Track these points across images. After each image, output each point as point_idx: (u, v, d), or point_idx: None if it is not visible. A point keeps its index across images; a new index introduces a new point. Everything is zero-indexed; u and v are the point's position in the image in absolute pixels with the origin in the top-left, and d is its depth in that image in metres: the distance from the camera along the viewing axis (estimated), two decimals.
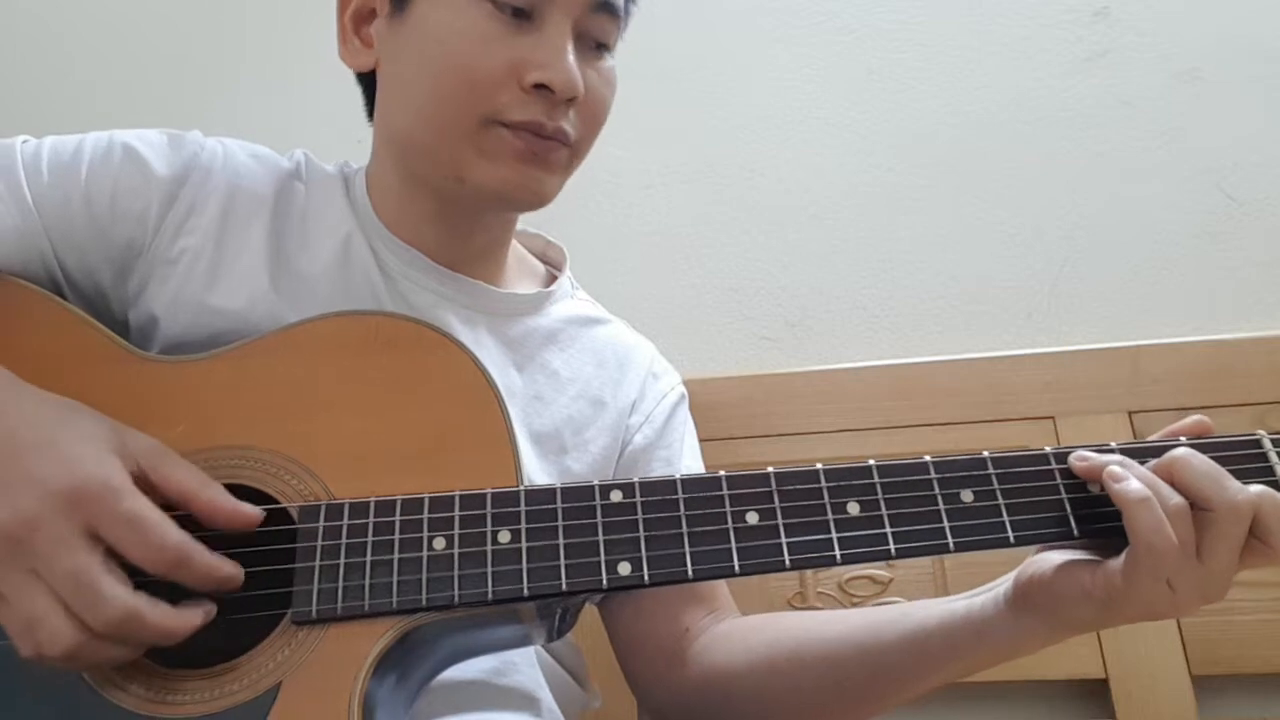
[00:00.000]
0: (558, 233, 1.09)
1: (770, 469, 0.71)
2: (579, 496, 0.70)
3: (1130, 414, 1.26)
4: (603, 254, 1.50)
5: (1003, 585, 0.75)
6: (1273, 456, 0.69)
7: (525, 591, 0.67)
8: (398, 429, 0.74)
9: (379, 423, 0.75)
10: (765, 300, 1.47)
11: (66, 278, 0.86)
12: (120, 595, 0.61)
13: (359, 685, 0.65)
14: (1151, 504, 0.64)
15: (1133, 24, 1.44)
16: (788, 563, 0.68)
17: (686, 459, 1.00)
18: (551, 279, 1.04)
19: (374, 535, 0.69)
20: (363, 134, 0.97)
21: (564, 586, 0.67)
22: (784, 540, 0.68)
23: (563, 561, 0.68)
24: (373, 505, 0.70)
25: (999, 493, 0.69)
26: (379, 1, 0.88)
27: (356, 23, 0.91)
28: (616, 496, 0.70)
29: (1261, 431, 0.71)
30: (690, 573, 0.68)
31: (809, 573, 1.28)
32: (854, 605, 1.24)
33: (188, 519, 0.67)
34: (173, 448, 0.71)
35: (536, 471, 0.88)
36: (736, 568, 0.68)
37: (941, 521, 0.68)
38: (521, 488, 0.71)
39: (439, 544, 0.69)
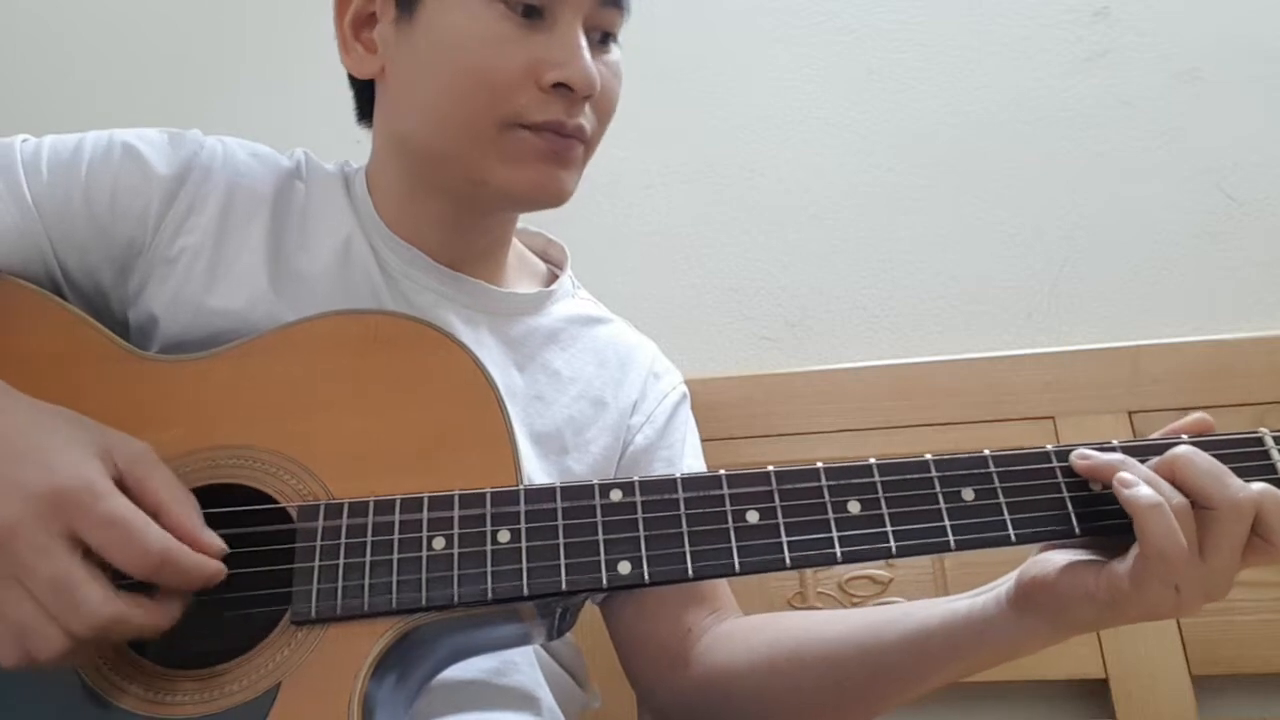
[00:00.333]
0: (558, 233, 1.09)
1: (770, 468, 0.71)
2: (579, 495, 0.70)
3: (1130, 414, 1.26)
4: (603, 254, 1.50)
5: (1004, 585, 0.74)
6: (1274, 454, 0.69)
7: (525, 591, 0.67)
8: (397, 428, 0.74)
9: (378, 422, 0.74)
10: (765, 300, 1.47)
11: (66, 277, 0.85)
12: (101, 601, 0.61)
13: (359, 685, 0.64)
14: (1164, 510, 0.64)
15: (1133, 24, 1.44)
16: (788, 562, 0.67)
17: (688, 459, 1.00)
18: (552, 278, 1.04)
19: (373, 535, 0.69)
20: (363, 133, 0.97)
21: (564, 586, 0.67)
22: (784, 539, 0.68)
23: (562, 561, 0.68)
24: (372, 505, 0.70)
25: (1000, 491, 0.69)
26: (380, 6, 0.87)
27: (356, 28, 0.90)
28: (616, 496, 0.70)
29: (1264, 429, 0.70)
30: (690, 572, 0.67)
31: (809, 573, 1.28)
32: (854, 605, 1.24)
33: None
34: (171, 447, 0.71)
35: (537, 472, 0.88)
36: (737, 567, 0.67)
37: (942, 520, 0.68)
38: (521, 487, 0.71)
39: (438, 544, 0.68)
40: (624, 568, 0.68)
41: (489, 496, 0.70)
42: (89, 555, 0.62)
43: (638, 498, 0.70)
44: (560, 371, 0.95)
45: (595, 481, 0.71)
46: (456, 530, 0.69)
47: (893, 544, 0.67)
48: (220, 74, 1.71)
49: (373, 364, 0.77)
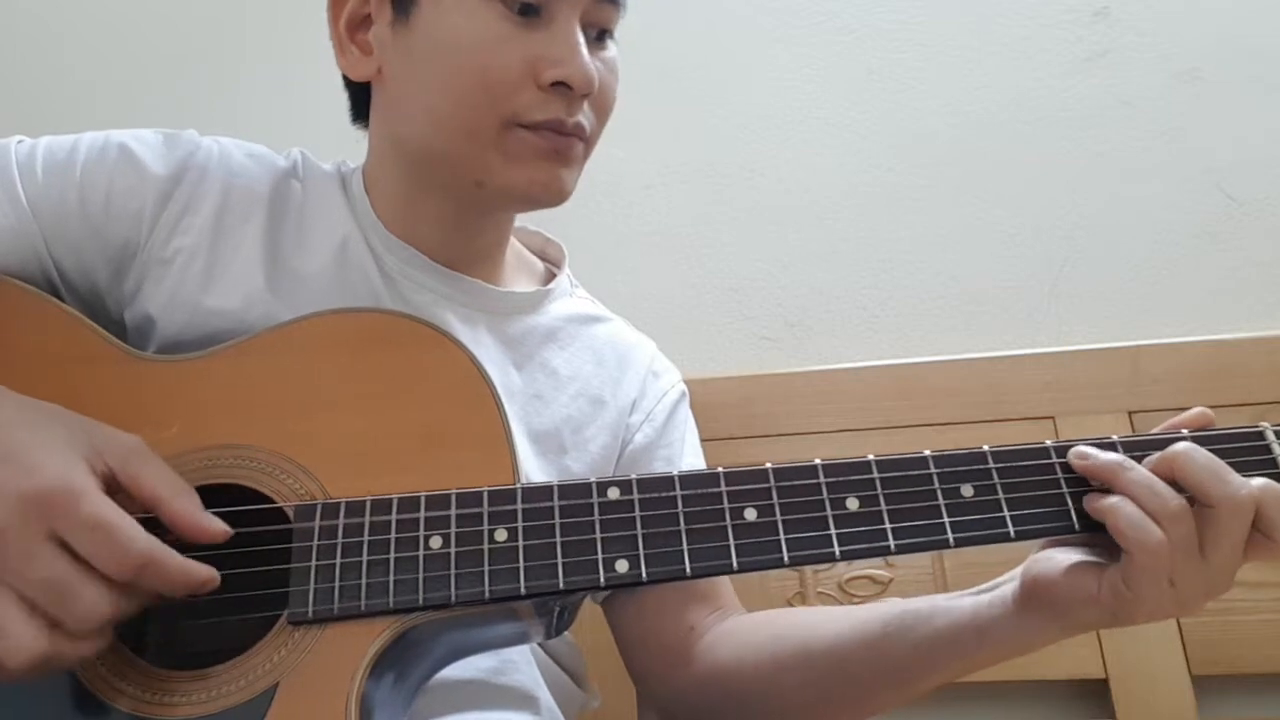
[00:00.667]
0: (558, 232, 1.08)
1: (769, 465, 0.70)
2: (576, 494, 0.70)
3: (1130, 414, 1.26)
4: (603, 254, 1.50)
5: (1008, 584, 0.74)
6: (1275, 448, 0.69)
7: (522, 590, 0.67)
8: (394, 427, 0.74)
9: (375, 421, 0.74)
10: (765, 300, 1.47)
11: (62, 278, 0.85)
12: (97, 600, 0.60)
13: (356, 686, 0.64)
14: (1122, 506, 0.65)
15: (1133, 24, 1.44)
16: (786, 559, 0.67)
17: (688, 457, 1.00)
18: (550, 276, 1.04)
19: (370, 534, 0.69)
20: (362, 133, 0.96)
21: (561, 585, 0.67)
22: (782, 537, 0.68)
23: (560, 560, 0.68)
24: (369, 504, 0.70)
25: (999, 487, 0.69)
26: (375, 8, 0.87)
27: (351, 30, 0.89)
28: (614, 494, 0.70)
29: (1264, 423, 0.70)
30: (688, 570, 0.67)
31: (809, 573, 1.28)
32: (854, 605, 1.24)
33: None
34: (168, 447, 0.71)
35: (535, 471, 0.88)
36: (735, 565, 0.67)
37: (941, 517, 0.68)
38: (518, 486, 0.71)
39: (435, 543, 0.68)
40: (622, 566, 0.67)
41: (486, 495, 0.70)
42: (77, 559, 0.61)
43: (635, 496, 0.69)
44: (558, 370, 0.95)
45: (593, 480, 0.71)
46: (453, 529, 0.69)
47: (891, 541, 0.67)
48: (219, 74, 1.71)
49: (370, 363, 0.77)
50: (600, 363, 0.98)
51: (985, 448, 0.70)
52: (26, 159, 0.86)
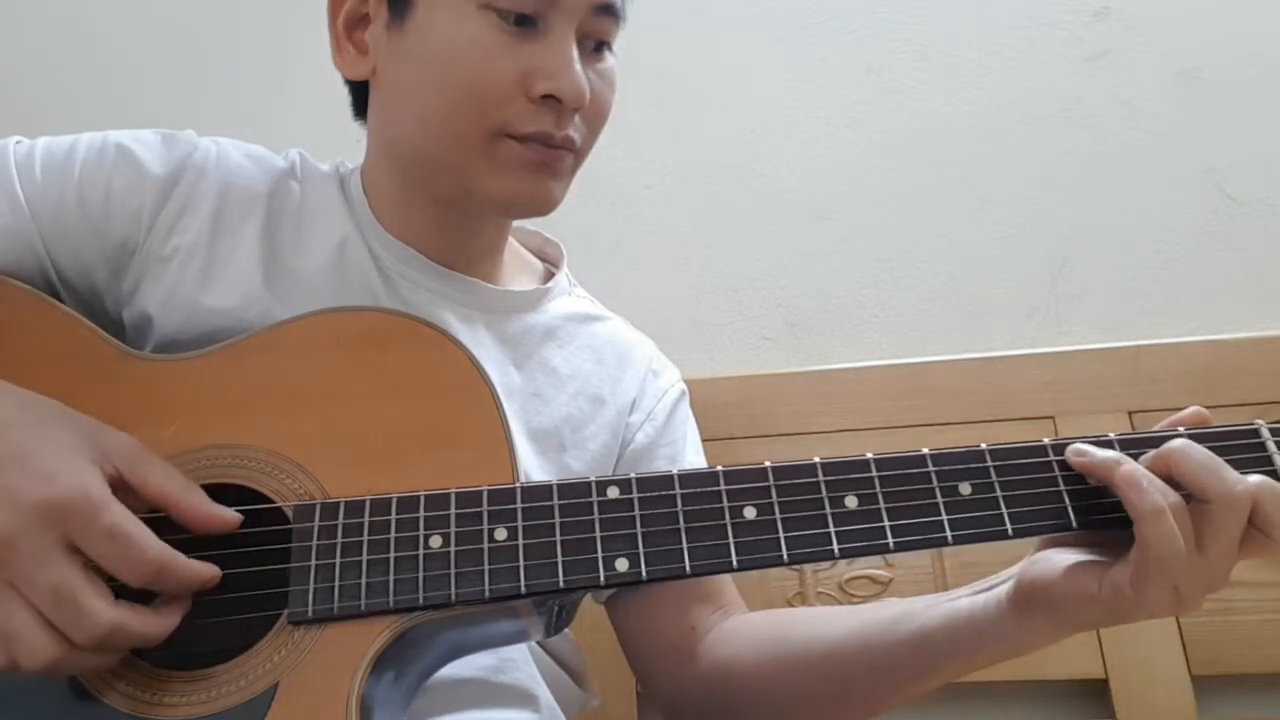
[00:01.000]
0: (557, 232, 1.08)
1: (768, 463, 0.70)
2: (576, 493, 0.70)
3: (1130, 414, 1.25)
4: (603, 254, 1.50)
5: (1004, 584, 0.74)
6: (1271, 446, 0.69)
7: (523, 589, 0.67)
8: (393, 426, 0.74)
9: (374, 420, 0.74)
10: (765, 300, 1.47)
11: (61, 278, 0.86)
12: (104, 610, 0.61)
13: (357, 685, 0.64)
14: (1164, 516, 0.63)
15: (1133, 24, 1.44)
16: (786, 557, 0.67)
17: (689, 456, 1.00)
18: (549, 276, 1.04)
19: (369, 534, 0.69)
20: (362, 133, 0.96)
21: (561, 584, 0.67)
22: (782, 535, 0.68)
23: (560, 558, 0.68)
24: (368, 504, 0.70)
25: (997, 485, 0.69)
26: (373, 8, 0.87)
27: (349, 28, 0.89)
28: (613, 493, 0.70)
29: (1260, 421, 0.70)
30: (688, 568, 0.67)
31: (809, 573, 1.28)
32: (854, 605, 1.24)
33: (164, 518, 0.67)
34: (166, 446, 0.71)
35: (535, 469, 0.88)
36: (734, 563, 0.67)
37: (939, 514, 0.68)
38: (518, 485, 0.71)
39: (435, 542, 0.68)
40: (621, 565, 0.67)
41: (485, 495, 0.70)
42: (87, 564, 0.62)
43: (635, 495, 0.70)
44: (558, 369, 0.95)
45: (592, 478, 0.71)
46: (453, 529, 0.69)
47: (890, 539, 0.67)
48: (218, 74, 1.71)
49: (369, 362, 0.77)
50: (600, 361, 0.98)
51: (983, 446, 0.70)
52: (25, 159, 0.86)
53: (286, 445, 0.73)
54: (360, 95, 0.94)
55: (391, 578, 0.68)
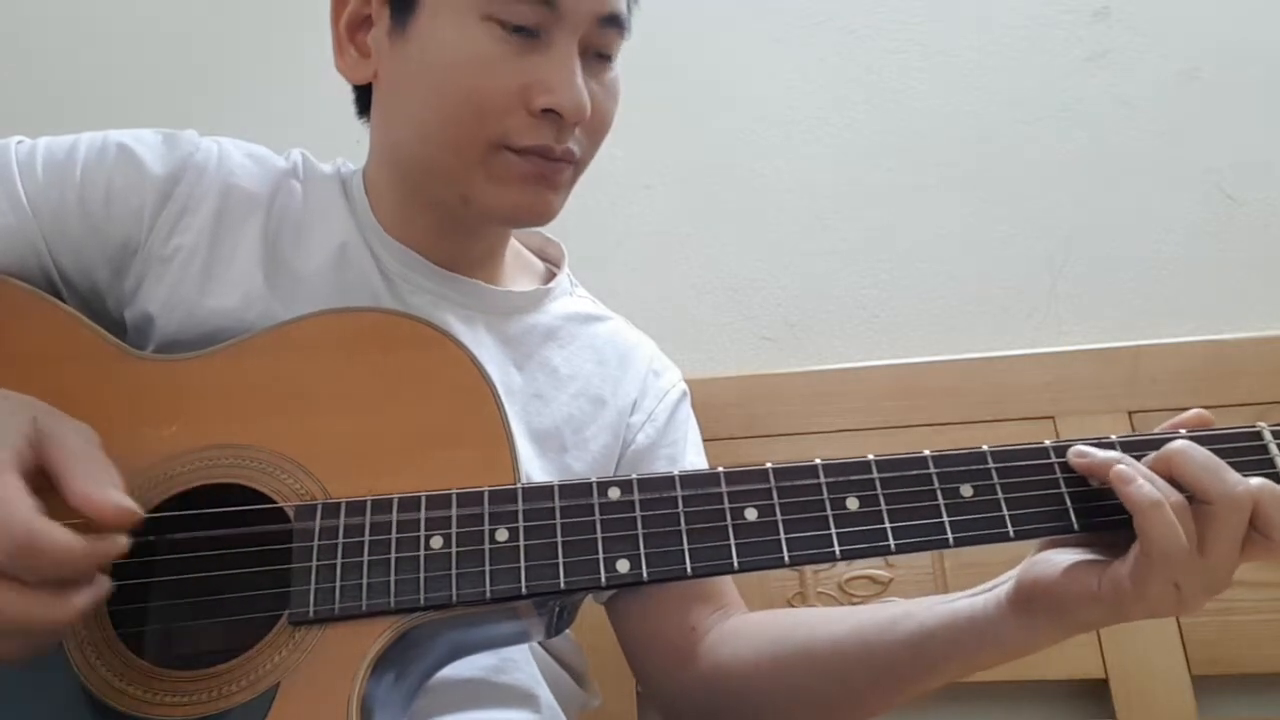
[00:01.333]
0: (557, 233, 1.08)
1: (769, 464, 0.70)
2: (577, 494, 0.70)
3: (1130, 414, 1.25)
4: (603, 254, 1.50)
5: (1004, 585, 0.74)
6: (1273, 448, 0.69)
7: (523, 590, 0.67)
8: (394, 427, 0.74)
9: (375, 421, 0.74)
10: (765, 300, 1.47)
11: (62, 277, 0.86)
12: (22, 512, 0.57)
13: (357, 686, 0.64)
14: (1164, 509, 0.64)
15: (1133, 24, 1.44)
16: (787, 559, 0.67)
17: (690, 456, 1.00)
18: (550, 276, 1.04)
19: (370, 534, 0.69)
20: (363, 134, 0.96)
21: (562, 585, 0.67)
22: (783, 536, 0.68)
23: (561, 559, 0.68)
24: (369, 504, 0.70)
25: (999, 487, 0.69)
26: (376, 10, 0.87)
27: (351, 30, 0.89)
28: (614, 494, 0.70)
29: (1262, 424, 0.70)
30: (689, 570, 0.67)
31: (809, 573, 1.28)
32: (854, 605, 1.24)
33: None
34: (167, 446, 0.71)
35: (536, 470, 0.88)
36: (735, 564, 0.67)
37: (941, 516, 0.68)
38: (519, 485, 0.71)
39: (436, 543, 0.68)
40: (622, 566, 0.67)
41: (486, 495, 0.70)
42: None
43: (636, 496, 0.70)
44: (559, 369, 0.95)
45: (593, 479, 0.71)
46: (454, 529, 0.69)
47: (891, 541, 0.67)
48: (219, 73, 1.71)
49: (369, 362, 0.77)
50: (601, 362, 0.98)
51: (984, 447, 0.70)
52: (26, 159, 0.86)
53: (288, 445, 0.73)
54: (364, 95, 0.94)
55: (392, 578, 0.67)
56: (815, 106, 1.52)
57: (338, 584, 0.68)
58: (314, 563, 0.68)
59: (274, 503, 0.71)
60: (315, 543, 0.69)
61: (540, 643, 0.88)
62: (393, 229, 0.92)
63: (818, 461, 0.71)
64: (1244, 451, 0.69)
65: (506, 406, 0.75)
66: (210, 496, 0.70)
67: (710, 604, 0.93)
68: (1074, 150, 1.43)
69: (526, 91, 0.81)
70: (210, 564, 0.67)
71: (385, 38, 0.86)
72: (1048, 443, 0.70)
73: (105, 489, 0.62)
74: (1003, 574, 0.75)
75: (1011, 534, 0.68)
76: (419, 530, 0.69)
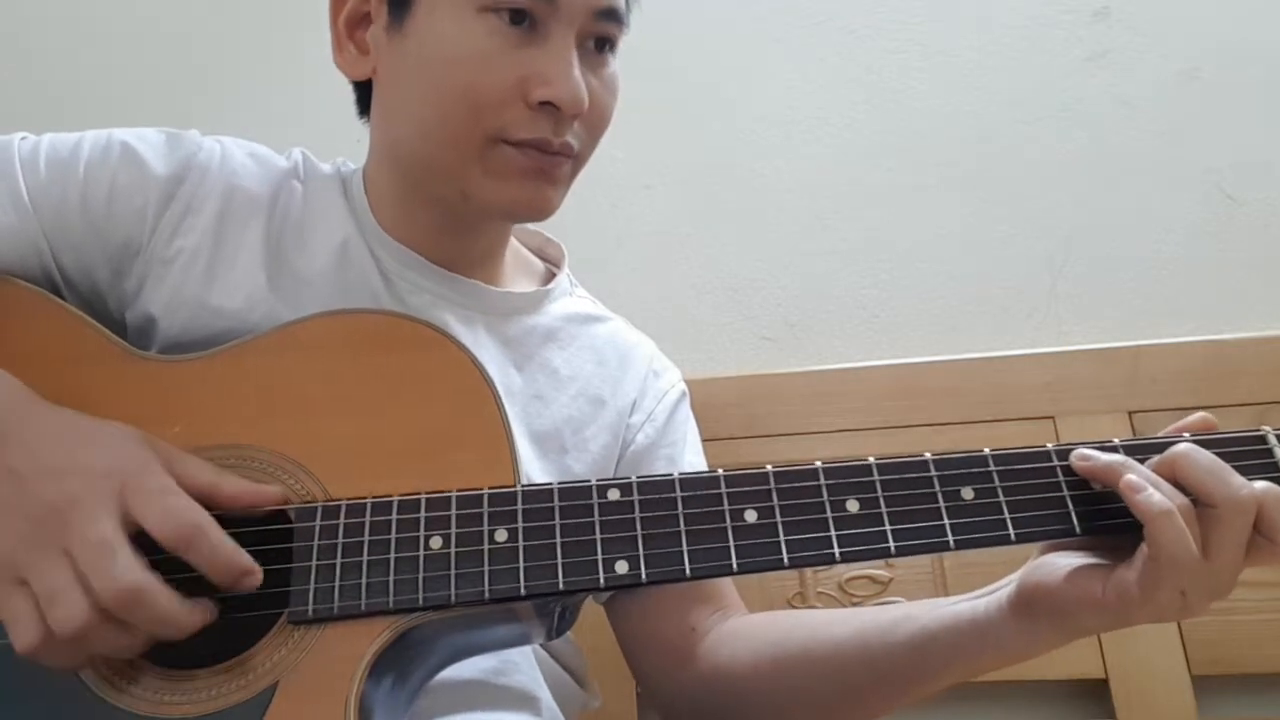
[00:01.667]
0: (558, 233, 1.08)
1: (769, 467, 0.70)
2: (576, 495, 0.70)
3: (1130, 414, 1.26)
4: (603, 254, 1.50)
5: (1005, 589, 0.74)
6: (1277, 452, 0.68)
7: (522, 590, 0.67)
8: (395, 428, 0.74)
9: (376, 422, 0.74)
10: (765, 300, 1.47)
11: (64, 277, 0.86)
12: (134, 566, 0.62)
13: (355, 685, 0.64)
14: (1174, 516, 0.63)
15: (1133, 24, 1.44)
16: (786, 561, 0.67)
17: (689, 456, 1.00)
18: (550, 276, 1.04)
19: (370, 535, 0.69)
20: (363, 133, 0.96)
21: (561, 586, 0.67)
22: (782, 539, 0.67)
23: (560, 560, 0.68)
24: (369, 505, 0.70)
25: (1000, 490, 0.68)
26: (374, 7, 0.87)
27: (350, 28, 0.89)
28: (614, 495, 0.70)
29: (1266, 427, 0.70)
30: (688, 571, 0.67)
31: (809, 572, 1.28)
32: (854, 605, 1.24)
33: None
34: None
35: (537, 471, 0.88)
36: (734, 566, 0.67)
37: (942, 519, 0.68)
38: (518, 487, 0.71)
39: (435, 543, 0.68)
40: (621, 567, 0.67)
41: (486, 496, 0.70)
42: (136, 540, 0.63)
43: (635, 497, 0.69)
44: (559, 370, 0.95)
45: (593, 481, 0.71)
46: (454, 530, 0.69)
47: (891, 543, 0.67)
48: (219, 74, 1.71)
49: (370, 363, 0.77)
50: (601, 362, 0.98)
51: (986, 450, 0.70)
52: (30, 156, 0.86)
53: (289, 446, 0.73)
54: (365, 94, 0.94)
55: (391, 578, 0.68)
56: (815, 106, 1.52)
57: (337, 584, 0.68)
58: (313, 562, 0.68)
59: None
60: (315, 543, 0.69)
61: (541, 645, 0.88)
62: (392, 228, 0.92)
63: (818, 464, 0.70)
64: (1248, 455, 0.68)
65: (506, 408, 0.75)
66: None
67: (710, 605, 0.93)
68: (1074, 150, 1.43)
69: (524, 84, 0.81)
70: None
71: (383, 34, 0.86)
72: (1049, 445, 0.70)
73: (254, 485, 0.71)
74: (1004, 575, 0.75)
75: (1013, 537, 0.67)
76: (419, 531, 0.69)
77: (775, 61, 1.54)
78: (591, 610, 0.98)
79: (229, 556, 0.65)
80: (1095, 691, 1.21)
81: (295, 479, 0.72)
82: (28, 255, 0.84)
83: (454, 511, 0.69)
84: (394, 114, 0.89)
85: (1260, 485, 0.64)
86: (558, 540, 0.68)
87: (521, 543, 0.68)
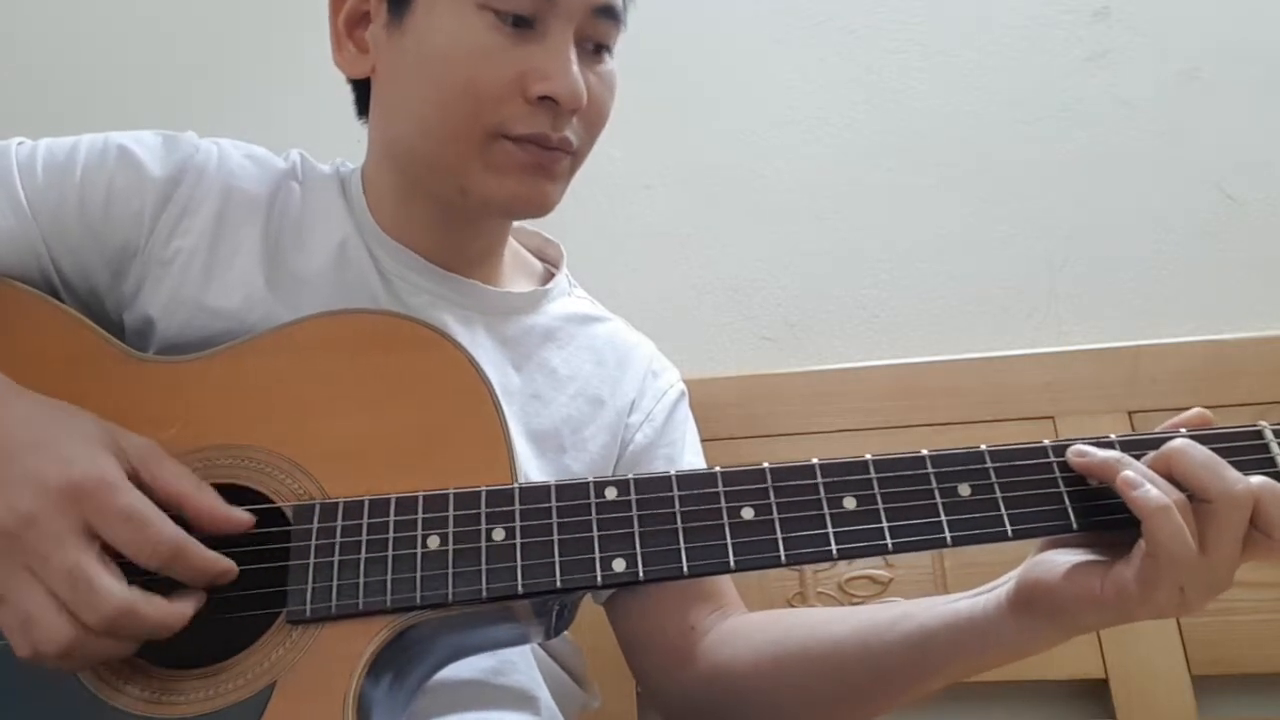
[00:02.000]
0: (558, 233, 1.08)
1: (766, 464, 0.70)
2: (574, 494, 0.70)
3: (1130, 414, 1.25)
4: (603, 254, 1.50)
5: (1004, 586, 0.73)
6: (1274, 447, 0.68)
7: (520, 589, 0.67)
8: (392, 427, 0.74)
9: (374, 421, 0.74)
10: (765, 300, 1.47)
11: (62, 279, 0.86)
12: (115, 590, 0.62)
13: (353, 685, 0.64)
14: (1172, 512, 0.63)
15: (1133, 24, 1.44)
16: (783, 558, 0.67)
17: (688, 456, 1.00)
18: (549, 277, 1.04)
19: (368, 534, 0.69)
20: (362, 133, 0.96)
21: (559, 584, 0.67)
22: (779, 536, 0.68)
23: (557, 559, 0.68)
24: (367, 504, 0.70)
25: (997, 486, 0.68)
26: (373, 6, 0.87)
27: (350, 26, 0.89)
28: (611, 493, 0.70)
29: (1263, 422, 0.70)
30: (685, 569, 0.67)
31: (809, 573, 1.28)
32: (854, 605, 1.24)
33: (178, 519, 0.67)
34: (167, 448, 0.71)
35: (535, 471, 0.88)
36: (732, 564, 0.67)
37: (939, 516, 0.68)
38: (516, 485, 0.71)
39: (433, 542, 0.68)
40: (619, 565, 0.67)
41: (484, 495, 0.70)
42: (104, 550, 0.63)
43: (633, 495, 0.70)
44: (557, 370, 0.95)
45: (590, 479, 0.71)
46: (451, 529, 0.69)
47: (889, 540, 0.67)
48: (219, 74, 1.71)
49: (368, 363, 0.77)
50: (600, 362, 0.98)
51: (983, 447, 0.70)
52: (27, 160, 0.86)
53: (286, 446, 0.73)
54: (363, 94, 0.94)
55: (389, 577, 0.68)
56: (815, 106, 1.52)
57: (334, 583, 0.68)
58: (311, 562, 0.69)
59: (272, 503, 0.71)
60: (312, 542, 0.69)
61: (539, 644, 0.88)
62: (391, 228, 0.92)
63: (815, 461, 0.70)
64: (1245, 450, 0.68)
65: (505, 407, 0.76)
66: None
67: (709, 604, 0.93)
68: (1074, 150, 1.43)
69: (523, 79, 0.82)
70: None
71: (383, 32, 0.87)
72: (1046, 442, 0.70)
73: (225, 506, 0.69)
74: (1003, 574, 0.75)
75: (1010, 533, 0.67)
76: (416, 530, 0.69)
77: (775, 61, 1.54)
78: (591, 610, 0.98)
79: (207, 566, 0.66)
80: (1095, 691, 1.21)
81: (293, 479, 0.72)
82: (26, 259, 0.84)
83: (451, 511, 0.69)
84: (393, 111, 0.89)
85: (1257, 480, 0.64)
86: (555, 539, 0.68)
87: (519, 541, 0.68)
